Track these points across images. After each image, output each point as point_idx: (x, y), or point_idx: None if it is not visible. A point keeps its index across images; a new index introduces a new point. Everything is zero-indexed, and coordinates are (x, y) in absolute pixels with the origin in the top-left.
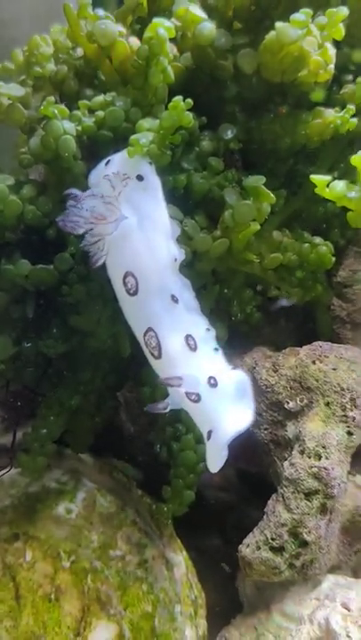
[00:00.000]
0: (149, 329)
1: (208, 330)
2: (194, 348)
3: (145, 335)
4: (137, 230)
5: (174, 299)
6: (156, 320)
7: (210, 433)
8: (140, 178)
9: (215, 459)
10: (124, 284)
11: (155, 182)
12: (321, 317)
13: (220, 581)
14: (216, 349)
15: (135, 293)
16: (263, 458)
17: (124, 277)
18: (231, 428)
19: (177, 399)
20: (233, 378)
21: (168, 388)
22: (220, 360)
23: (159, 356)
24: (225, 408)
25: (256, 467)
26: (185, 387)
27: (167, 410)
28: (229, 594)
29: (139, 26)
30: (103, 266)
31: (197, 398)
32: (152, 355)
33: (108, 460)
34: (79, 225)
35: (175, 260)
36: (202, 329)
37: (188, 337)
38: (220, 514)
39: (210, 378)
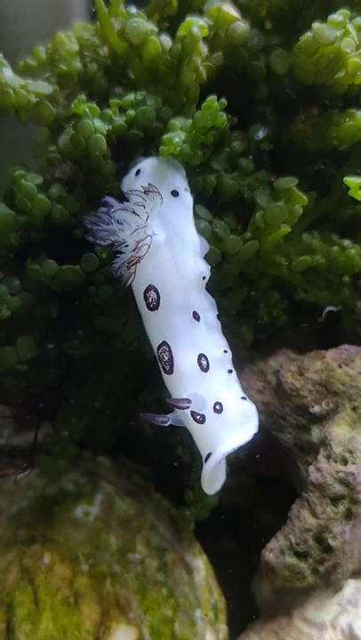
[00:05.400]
0: (164, 342)
1: (226, 352)
2: (205, 369)
3: (159, 349)
4: (164, 246)
5: (196, 316)
6: (173, 335)
7: (209, 456)
8: (175, 194)
9: (211, 481)
10: (145, 297)
11: (188, 200)
12: (346, 321)
13: (233, 585)
14: (230, 371)
15: (155, 308)
16: (284, 462)
17: (146, 291)
18: (222, 449)
19: (180, 415)
20: (240, 407)
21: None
22: (233, 383)
23: (170, 372)
24: (225, 434)
25: (275, 471)
26: (192, 406)
27: (167, 424)
28: (243, 598)
29: (167, 24)
30: None
31: (202, 420)
32: (164, 369)
33: (126, 463)
34: (105, 237)
35: (203, 277)
36: (220, 350)
37: (201, 356)
38: (234, 517)
39: (216, 403)
